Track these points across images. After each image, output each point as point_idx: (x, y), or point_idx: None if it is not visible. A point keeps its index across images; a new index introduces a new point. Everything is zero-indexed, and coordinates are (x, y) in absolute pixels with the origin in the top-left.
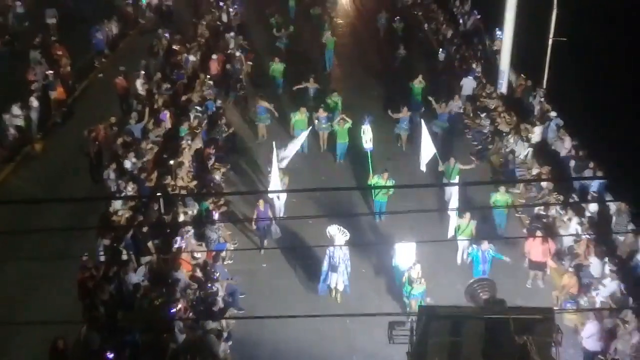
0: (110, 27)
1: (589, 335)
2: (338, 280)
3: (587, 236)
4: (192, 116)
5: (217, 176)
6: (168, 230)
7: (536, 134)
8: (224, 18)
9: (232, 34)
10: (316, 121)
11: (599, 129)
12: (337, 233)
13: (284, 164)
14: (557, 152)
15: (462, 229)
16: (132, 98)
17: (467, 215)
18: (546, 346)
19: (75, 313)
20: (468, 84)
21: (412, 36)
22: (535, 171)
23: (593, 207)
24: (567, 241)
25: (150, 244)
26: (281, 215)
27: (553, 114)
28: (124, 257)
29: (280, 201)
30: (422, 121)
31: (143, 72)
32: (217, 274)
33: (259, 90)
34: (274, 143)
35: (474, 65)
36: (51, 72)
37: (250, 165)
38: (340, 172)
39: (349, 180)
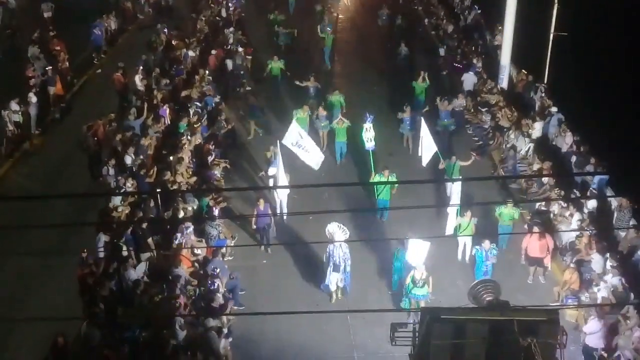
0: (109, 22)
1: (591, 332)
2: (339, 279)
3: (589, 232)
4: (191, 112)
5: (217, 172)
6: (168, 227)
7: (537, 130)
8: (223, 13)
9: (231, 29)
10: (316, 119)
11: (601, 124)
12: (337, 230)
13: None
14: (558, 147)
15: (463, 227)
16: (131, 94)
17: (468, 213)
18: (551, 348)
19: (76, 309)
20: (469, 80)
21: (414, 33)
22: (536, 167)
23: (593, 203)
24: (569, 237)
25: (150, 240)
26: (285, 211)
27: (554, 109)
28: (124, 253)
29: (283, 197)
30: (422, 119)
31: (142, 68)
32: (217, 270)
33: (258, 86)
34: (277, 141)
35: (474, 61)
36: (50, 67)
37: (249, 162)
38: (341, 169)
39: (351, 178)
